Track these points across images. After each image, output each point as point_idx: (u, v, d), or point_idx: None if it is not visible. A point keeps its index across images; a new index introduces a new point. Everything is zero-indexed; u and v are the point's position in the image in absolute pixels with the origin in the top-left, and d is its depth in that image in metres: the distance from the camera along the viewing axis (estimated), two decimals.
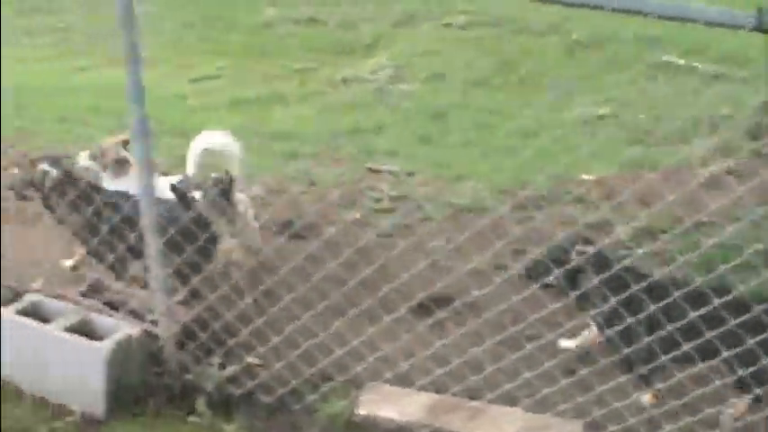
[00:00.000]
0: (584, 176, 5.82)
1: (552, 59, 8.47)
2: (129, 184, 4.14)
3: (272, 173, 5.85)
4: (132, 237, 3.84)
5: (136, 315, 3.85)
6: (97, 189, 4.26)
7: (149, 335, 3.71)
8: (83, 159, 4.60)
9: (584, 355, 3.87)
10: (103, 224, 4.07)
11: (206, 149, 4.55)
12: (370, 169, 6.06)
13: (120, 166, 4.53)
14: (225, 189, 4.18)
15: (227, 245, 4.26)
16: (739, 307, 3.12)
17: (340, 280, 3.84)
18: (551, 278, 3.59)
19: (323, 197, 5.45)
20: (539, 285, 3.66)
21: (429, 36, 9.26)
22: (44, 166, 4.23)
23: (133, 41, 3.09)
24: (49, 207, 4.30)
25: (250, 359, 3.79)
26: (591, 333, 3.93)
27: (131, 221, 3.82)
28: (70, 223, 4.27)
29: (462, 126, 6.91)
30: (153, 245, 3.49)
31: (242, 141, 4.59)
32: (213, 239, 4.10)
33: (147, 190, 3.41)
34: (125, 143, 4.55)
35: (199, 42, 9.12)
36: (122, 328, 3.66)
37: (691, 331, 3.19)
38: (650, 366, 3.52)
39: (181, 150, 5.95)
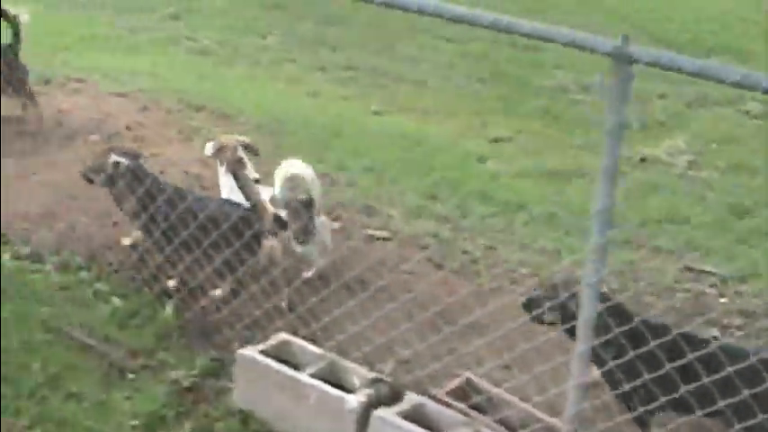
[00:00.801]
0: None
1: None
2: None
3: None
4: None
5: None
6: (160, 187, 4.80)
7: None
8: (207, 150, 5.22)
9: None
10: (160, 218, 4.65)
11: (288, 176, 5.11)
12: (687, 268, 5.89)
13: (237, 165, 5.01)
14: (307, 205, 4.89)
15: (269, 242, 4.79)
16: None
17: None
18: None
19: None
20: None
21: (725, 121, 8.97)
22: (116, 157, 4.80)
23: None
24: (114, 195, 4.89)
25: None
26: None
27: (185, 219, 4.53)
28: (130, 212, 4.84)
29: None
30: (584, 344, 3.28)
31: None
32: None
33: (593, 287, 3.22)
34: (244, 146, 5.13)
35: (491, 100, 9.21)
36: None
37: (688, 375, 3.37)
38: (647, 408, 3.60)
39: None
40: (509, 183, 7.19)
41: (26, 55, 7.10)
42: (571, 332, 3.53)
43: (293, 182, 5.05)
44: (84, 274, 4.89)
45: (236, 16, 11.15)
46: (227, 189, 5.16)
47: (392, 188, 6.71)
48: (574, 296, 3.64)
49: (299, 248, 5.01)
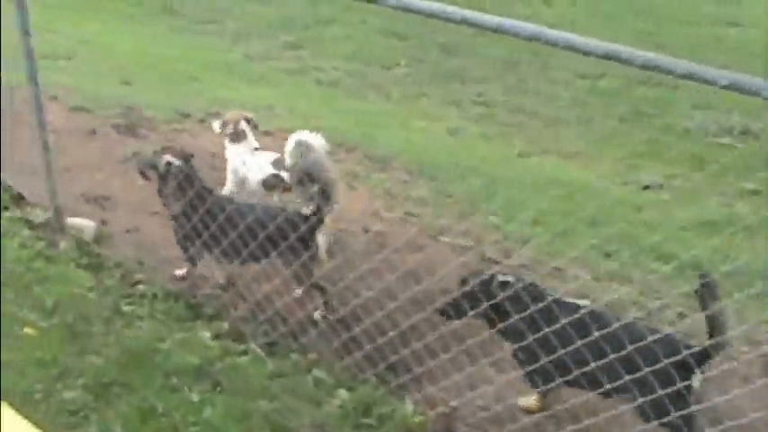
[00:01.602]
0: None
1: None
2: (245, 148, 5.63)
3: None
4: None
5: None
6: (209, 191, 4.87)
7: None
8: (215, 126, 5.74)
9: None
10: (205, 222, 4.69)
11: (297, 143, 5.38)
12: None
13: (238, 135, 5.65)
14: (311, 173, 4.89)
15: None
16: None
17: None
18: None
19: None
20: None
21: None
22: (169, 158, 4.81)
23: None
24: (161, 194, 4.87)
25: None
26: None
27: (232, 223, 4.60)
28: (174, 213, 4.84)
29: None
30: None
31: None
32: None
33: None
34: (247, 119, 5.70)
35: (634, 142, 8.92)
36: None
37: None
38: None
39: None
40: (674, 235, 6.90)
41: (159, 85, 7.07)
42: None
43: (300, 148, 5.36)
44: (295, 356, 4.44)
45: (359, 45, 11.01)
46: (232, 164, 5.70)
47: (563, 243, 6.46)
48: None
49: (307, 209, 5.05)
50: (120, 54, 9.59)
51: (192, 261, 5.04)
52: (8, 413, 3.34)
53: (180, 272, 5.15)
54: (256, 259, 4.77)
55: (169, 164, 4.82)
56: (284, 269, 4.74)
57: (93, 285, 4.79)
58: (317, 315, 4.87)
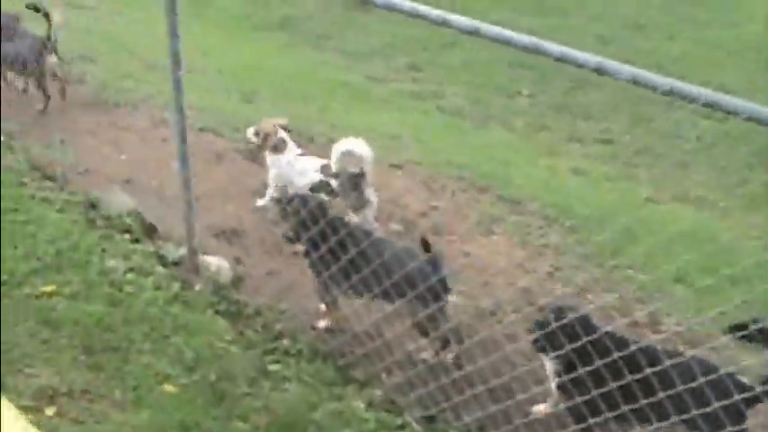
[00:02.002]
0: None
1: None
2: (286, 159, 5.75)
3: None
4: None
5: None
6: (343, 223, 4.66)
7: None
8: (249, 133, 5.91)
9: None
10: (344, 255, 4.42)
11: (344, 151, 5.41)
12: None
13: (278, 146, 5.80)
14: (357, 178, 5.45)
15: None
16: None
17: None
18: None
19: None
20: None
21: None
22: (297, 200, 4.69)
23: None
24: (291, 236, 4.70)
25: None
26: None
27: (367, 257, 4.35)
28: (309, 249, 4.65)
29: None
30: None
31: None
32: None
33: None
34: (282, 127, 5.82)
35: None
36: None
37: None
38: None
39: None
40: None
41: (279, 104, 6.74)
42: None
43: (347, 156, 5.42)
44: None
45: (481, 72, 10.55)
46: (275, 170, 5.84)
47: (706, 301, 5.90)
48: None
49: (354, 217, 5.48)
50: (240, 69, 9.30)
51: (334, 303, 4.73)
52: (8, 413, 3.12)
53: (322, 323, 4.79)
54: (390, 299, 4.43)
55: (301, 201, 4.69)
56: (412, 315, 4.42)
57: (234, 338, 4.43)
58: (447, 358, 4.58)
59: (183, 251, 5.04)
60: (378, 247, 4.44)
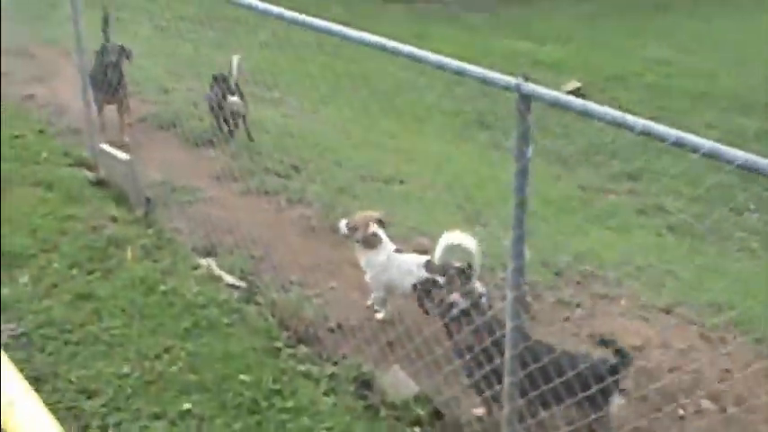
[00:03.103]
0: None
1: None
2: (380, 259, 5.44)
3: None
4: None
5: None
6: (499, 322, 4.30)
7: None
8: (341, 225, 5.59)
9: None
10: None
11: (449, 244, 5.20)
12: None
13: (371, 241, 5.46)
14: (465, 273, 5.16)
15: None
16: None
17: None
18: None
19: None
20: None
21: None
22: (456, 298, 4.67)
23: None
24: (449, 332, 4.65)
25: None
26: None
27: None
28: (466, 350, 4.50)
29: None
30: None
31: None
32: None
33: None
34: (377, 221, 5.50)
35: None
36: None
37: None
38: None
39: None
40: None
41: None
42: None
43: (453, 250, 5.21)
44: None
45: (699, 180, 9.50)
46: (371, 272, 5.50)
47: None
48: None
49: None
50: (451, 176, 8.38)
51: (494, 399, 4.43)
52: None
53: (478, 411, 4.67)
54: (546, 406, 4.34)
55: (454, 303, 4.67)
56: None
57: None
58: None
59: None
60: (557, 365, 4.23)
